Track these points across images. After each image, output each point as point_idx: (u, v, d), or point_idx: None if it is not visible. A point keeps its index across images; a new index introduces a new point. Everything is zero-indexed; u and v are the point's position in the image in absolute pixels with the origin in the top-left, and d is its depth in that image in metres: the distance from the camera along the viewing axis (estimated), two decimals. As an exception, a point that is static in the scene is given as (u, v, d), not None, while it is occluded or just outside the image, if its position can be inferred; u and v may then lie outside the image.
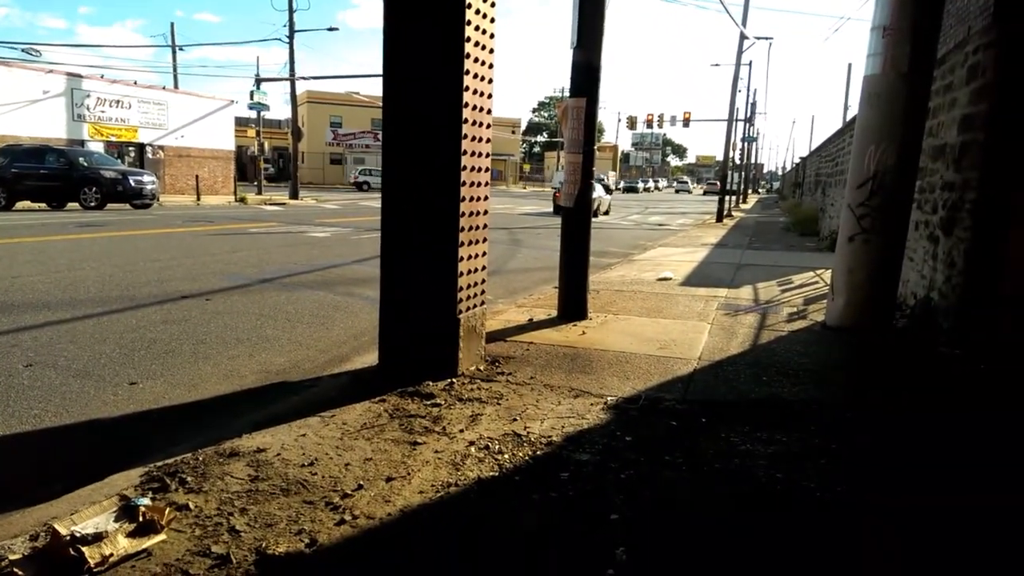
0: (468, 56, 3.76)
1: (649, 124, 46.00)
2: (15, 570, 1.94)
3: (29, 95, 24.61)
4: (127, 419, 3.63)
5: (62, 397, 3.87)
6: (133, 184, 19.96)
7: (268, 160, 45.10)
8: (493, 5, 4.03)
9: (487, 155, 4.16)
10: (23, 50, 27.76)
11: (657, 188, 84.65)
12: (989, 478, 2.92)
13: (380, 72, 3.94)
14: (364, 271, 9.01)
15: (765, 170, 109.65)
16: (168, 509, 2.32)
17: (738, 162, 42.07)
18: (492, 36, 4.05)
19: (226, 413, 3.64)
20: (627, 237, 17.36)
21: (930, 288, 5.67)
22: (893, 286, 5.39)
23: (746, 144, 44.51)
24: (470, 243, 4.02)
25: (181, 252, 10.31)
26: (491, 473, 2.76)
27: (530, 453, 2.97)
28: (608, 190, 52.38)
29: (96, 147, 26.08)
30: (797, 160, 49.10)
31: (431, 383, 3.85)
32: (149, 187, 20.61)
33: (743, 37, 24.81)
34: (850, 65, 53.85)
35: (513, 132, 70.91)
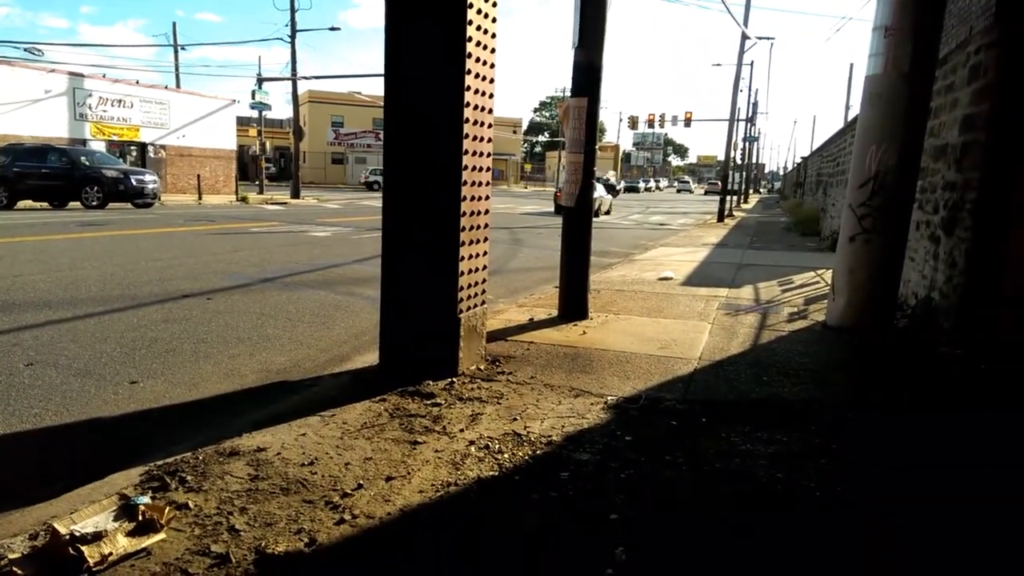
0: (470, 56, 3.76)
1: (650, 124, 46.01)
2: (14, 569, 1.94)
3: (31, 94, 24.64)
4: (127, 418, 3.64)
5: (63, 396, 3.87)
6: (135, 183, 19.99)
7: (270, 160, 45.17)
8: (495, 5, 4.03)
9: (488, 155, 4.16)
10: (25, 49, 27.81)
11: (658, 188, 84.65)
12: (990, 478, 2.92)
13: (382, 72, 3.94)
14: (365, 271, 9.01)
15: (766, 170, 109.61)
16: (168, 508, 2.32)
17: (739, 162, 42.06)
18: (494, 36, 4.05)
19: (226, 412, 3.65)
20: (628, 237, 17.35)
21: (931, 288, 5.66)
22: (894, 286, 5.38)
23: (747, 144, 44.56)
24: (471, 243, 4.02)
25: (182, 251, 10.32)
26: (491, 473, 2.76)
27: (530, 453, 2.97)
28: (613, 190, 52.38)
29: (98, 146, 26.10)
30: (798, 160, 49.07)
31: (431, 382, 3.85)
32: (151, 186, 20.64)
33: (745, 37, 24.79)
34: (852, 65, 53.85)
35: (514, 132, 70.93)
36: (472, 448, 3.00)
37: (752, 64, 44.78)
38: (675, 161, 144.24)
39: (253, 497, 2.49)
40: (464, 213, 3.88)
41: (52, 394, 3.89)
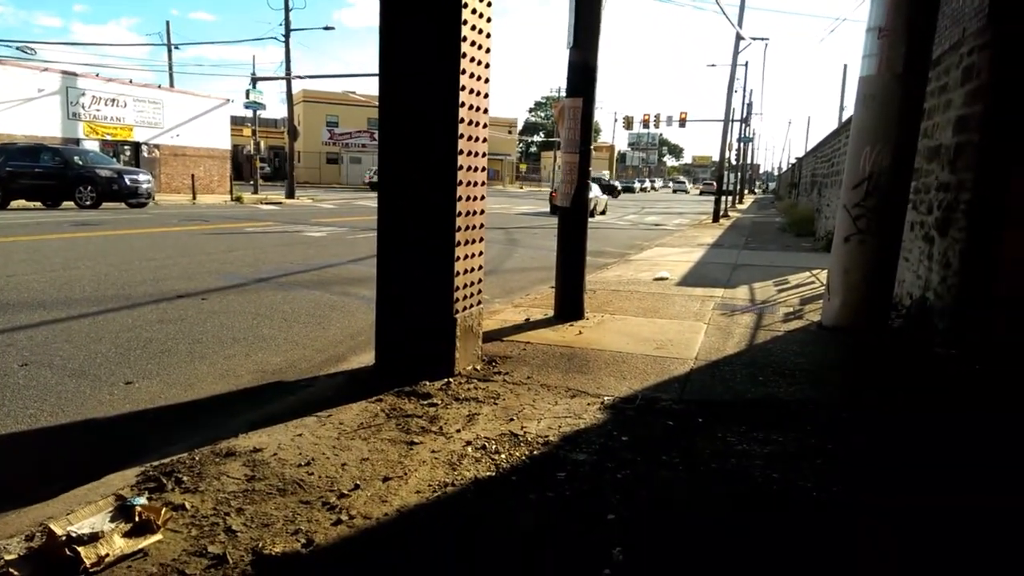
0: (464, 55, 3.76)
1: (645, 124, 46.03)
2: (11, 570, 1.94)
3: (24, 93, 24.52)
4: (123, 419, 3.63)
5: (58, 396, 3.85)
6: (129, 183, 19.90)
7: (264, 159, 45.08)
8: (489, 4, 4.03)
9: (483, 154, 4.16)
10: (18, 48, 27.77)
11: (653, 188, 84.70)
12: (984, 479, 2.94)
13: (376, 71, 3.94)
14: (360, 271, 9.00)
15: (761, 170, 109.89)
16: (164, 509, 2.31)
17: (734, 162, 42.15)
18: (488, 35, 4.05)
19: (222, 413, 3.64)
20: (624, 237, 17.38)
21: (925, 288, 5.69)
22: (889, 286, 5.40)
23: (742, 144, 44.64)
24: (466, 242, 4.03)
25: (177, 251, 10.29)
26: (488, 473, 2.77)
27: (527, 453, 2.97)
28: (613, 191, 52.36)
29: (91, 146, 25.97)
30: (793, 160, 49.22)
31: (428, 383, 3.85)
32: (145, 186, 20.55)
33: (739, 38, 24.86)
34: (846, 66, 54.01)
35: (510, 132, 70.91)
36: (469, 448, 3.00)
37: (747, 65, 44.94)
38: (670, 161, 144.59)
39: (250, 498, 2.49)
40: (459, 213, 3.88)
41: (47, 395, 3.87)
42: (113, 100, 27.92)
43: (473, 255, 4.15)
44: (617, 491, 2.60)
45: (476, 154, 4.04)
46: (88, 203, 19.14)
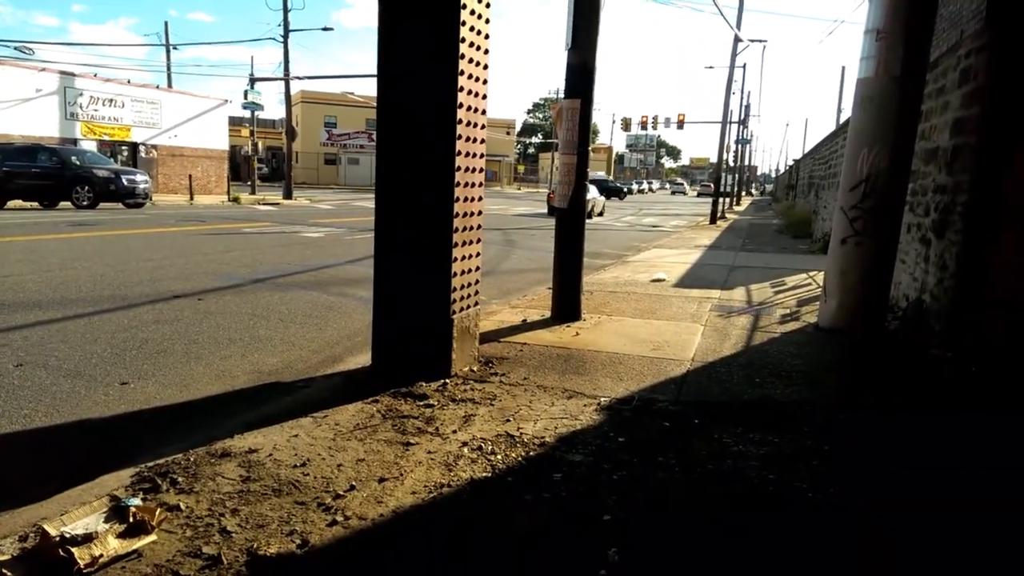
0: (462, 56, 3.76)
1: (643, 126, 46.08)
2: (4, 571, 1.93)
3: (22, 93, 24.46)
4: (118, 419, 3.62)
5: (52, 397, 3.84)
6: (126, 183, 19.86)
7: (262, 160, 45.06)
8: (488, 5, 4.03)
9: (481, 155, 4.16)
10: (16, 48, 27.70)
11: (651, 190, 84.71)
12: (979, 481, 2.94)
13: (375, 72, 3.94)
14: (358, 271, 8.99)
15: (759, 172, 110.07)
16: (159, 510, 2.30)
17: (732, 164, 42.21)
18: (487, 36, 4.05)
19: (218, 413, 3.63)
20: (621, 238, 17.38)
21: (922, 291, 5.69)
22: (885, 288, 5.41)
23: (740, 146, 44.72)
24: (464, 243, 4.02)
25: (174, 252, 10.27)
26: (484, 474, 2.76)
27: (523, 454, 2.97)
28: (620, 193, 52.26)
29: (89, 146, 25.93)
30: (791, 162, 49.29)
31: (424, 384, 3.84)
32: (142, 186, 20.50)
33: (737, 40, 24.90)
34: (843, 68, 54.03)
35: (508, 133, 70.88)
36: (465, 449, 3.00)
37: (745, 67, 45.02)
38: (668, 163, 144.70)
39: (245, 498, 2.48)
40: (457, 214, 3.88)
41: (42, 395, 3.86)
42: (111, 100, 27.87)
43: (470, 256, 4.14)
44: (613, 492, 2.60)
45: (473, 155, 4.04)
46: (85, 203, 19.11)
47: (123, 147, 29.04)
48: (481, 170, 4.18)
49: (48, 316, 5.73)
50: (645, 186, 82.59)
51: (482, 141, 4.14)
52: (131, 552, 2.09)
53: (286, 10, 29.74)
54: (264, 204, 26.62)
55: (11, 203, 19.30)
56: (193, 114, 31.65)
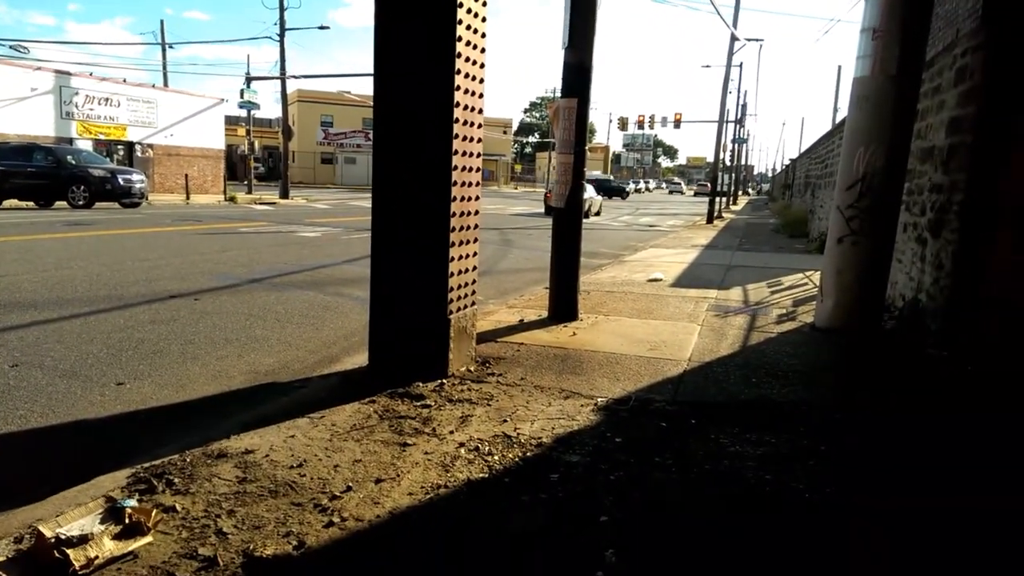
0: (460, 56, 3.76)
1: (640, 125, 46.10)
2: (-2, 573, 1.92)
3: (17, 92, 24.39)
4: (114, 420, 3.61)
5: (48, 397, 3.83)
6: (122, 183, 19.81)
7: (258, 159, 44.91)
8: (485, 4, 4.02)
9: (478, 155, 4.15)
10: (11, 47, 27.61)
11: (648, 189, 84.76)
12: (976, 480, 2.94)
13: (371, 71, 3.93)
14: (354, 271, 8.98)
15: (755, 171, 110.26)
16: (155, 511, 2.29)
17: (728, 164, 42.25)
18: (484, 36, 4.04)
19: (214, 414, 3.62)
20: (618, 238, 17.39)
21: (918, 290, 5.70)
22: (881, 288, 5.42)
23: (736, 145, 44.77)
24: (461, 243, 4.02)
25: (170, 251, 10.25)
26: (481, 475, 2.76)
27: (520, 454, 2.97)
28: (623, 193, 52.23)
29: (84, 145, 25.86)
30: (787, 162, 49.35)
31: (421, 384, 3.84)
32: (138, 186, 20.46)
33: (734, 39, 24.91)
34: (840, 67, 54.16)
35: (504, 132, 70.87)
36: (462, 450, 3.00)
37: (741, 66, 45.13)
38: (665, 162, 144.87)
39: (241, 500, 2.48)
40: (454, 213, 3.88)
41: (37, 395, 3.85)
42: (107, 99, 27.79)
43: (467, 255, 4.14)
44: (610, 492, 2.60)
45: (471, 154, 4.04)
46: (81, 203, 19.05)
47: (119, 146, 29.00)
48: (478, 170, 4.17)
49: (44, 316, 5.71)
50: (642, 185, 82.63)
51: (479, 141, 4.14)
52: (127, 553, 2.09)
53: (282, 9, 29.70)
54: (260, 204, 26.58)
55: (7, 203, 19.24)
56: (189, 113, 31.58)
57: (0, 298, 6.29)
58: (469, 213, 4.09)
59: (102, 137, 27.82)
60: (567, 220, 5.84)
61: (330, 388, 3.89)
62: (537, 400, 3.72)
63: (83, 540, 2.05)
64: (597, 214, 26.84)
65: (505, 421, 3.37)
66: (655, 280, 8.62)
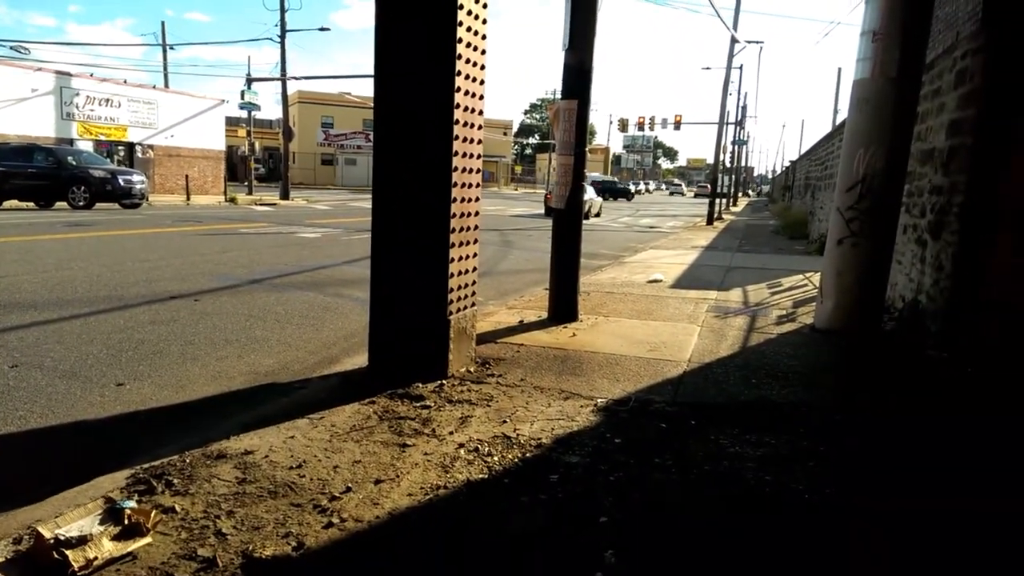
0: (459, 56, 3.76)
1: (640, 127, 46.09)
2: (-3, 573, 1.92)
3: (17, 93, 24.40)
4: (114, 420, 3.60)
5: (48, 398, 3.83)
6: (122, 183, 19.82)
7: (259, 160, 44.94)
8: (485, 6, 4.03)
9: (478, 156, 4.16)
10: (11, 47, 27.61)
11: (648, 191, 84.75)
12: (975, 482, 2.94)
13: (372, 72, 3.94)
14: (354, 272, 8.98)
15: (755, 173, 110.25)
16: (154, 512, 2.29)
17: (729, 165, 42.27)
18: (484, 37, 4.05)
19: (214, 415, 3.62)
20: (618, 239, 17.39)
21: (918, 291, 5.70)
22: (881, 289, 5.42)
23: (736, 147, 44.78)
24: (461, 244, 4.02)
25: (170, 252, 10.25)
26: (480, 475, 2.76)
27: (520, 455, 2.96)
28: (627, 194, 52.15)
29: (85, 146, 25.88)
30: (787, 163, 49.37)
31: (421, 385, 3.84)
32: (138, 187, 20.47)
33: (734, 41, 24.92)
34: (840, 69, 54.25)
35: (505, 134, 70.88)
36: (461, 451, 2.99)
37: (741, 68, 45.15)
38: (665, 164, 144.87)
39: (240, 500, 2.47)
40: (454, 214, 3.88)
41: (37, 396, 3.85)
42: (107, 100, 27.80)
43: (467, 256, 4.14)
44: (610, 493, 2.60)
45: (471, 155, 4.04)
46: (81, 204, 19.06)
47: (119, 147, 28.99)
48: (478, 170, 4.18)
49: (44, 317, 5.71)
50: (642, 187, 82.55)
51: (479, 141, 4.14)
52: (126, 554, 2.09)
53: (283, 10, 29.73)
54: (261, 204, 26.58)
55: (7, 203, 19.25)
56: (190, 114, 31.59)
57: (0, 299, 6.29)
58: (469, 214, 4.09)
59: (102, 138, 27.82)
60: (567, 221, 5.84)
61: (330, 389, 3.89)
62: (537, 401, 3.72)
63: (82, 541, 2.05)
64: (597, 215, 26.84)
65: (505, 422, 3.37)
66: (655, 281, 8.62)
